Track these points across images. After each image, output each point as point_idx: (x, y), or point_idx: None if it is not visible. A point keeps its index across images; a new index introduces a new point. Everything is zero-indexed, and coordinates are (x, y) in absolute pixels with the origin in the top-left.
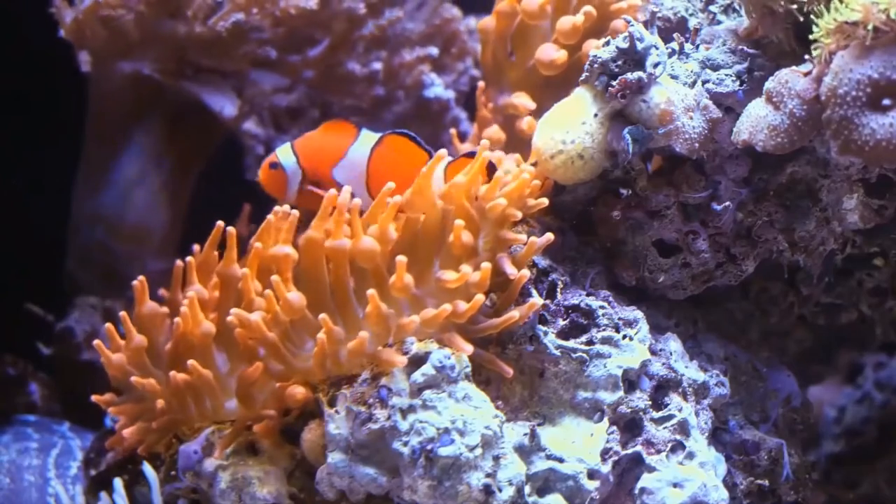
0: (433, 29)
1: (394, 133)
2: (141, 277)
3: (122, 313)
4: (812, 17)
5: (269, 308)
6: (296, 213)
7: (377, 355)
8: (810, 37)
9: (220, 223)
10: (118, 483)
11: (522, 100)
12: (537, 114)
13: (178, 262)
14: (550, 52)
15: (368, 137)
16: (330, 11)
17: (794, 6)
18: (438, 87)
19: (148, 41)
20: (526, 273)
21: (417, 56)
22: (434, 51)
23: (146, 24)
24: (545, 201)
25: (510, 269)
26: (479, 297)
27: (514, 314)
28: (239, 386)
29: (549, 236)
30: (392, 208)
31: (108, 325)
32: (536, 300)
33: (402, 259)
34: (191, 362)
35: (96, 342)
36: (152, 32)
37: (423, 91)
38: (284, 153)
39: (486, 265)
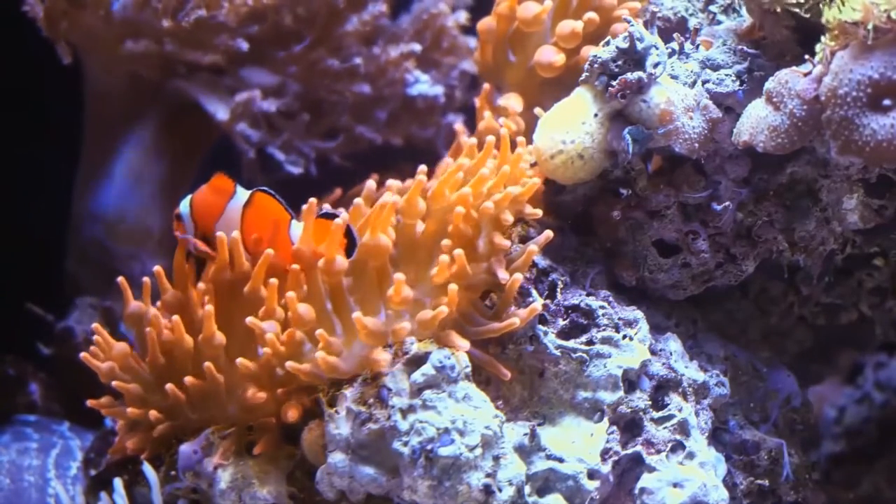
0: (421, 25)
1: (258, 190)
2: (121, 279)
3: (95, 325)
4: (812, 17)
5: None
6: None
7: (369, 358)
8: (816, 36)
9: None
10: (118, 483)
11: (511, 101)
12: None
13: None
14: (550, 55)
15: (242, 195)
16: (312, 5)
17: (794, 6)
18: (423, 85)
19: (128, 33)
20: (518, 277)
21: (401, 53)
22: (417, 47)
23: (123, 13)
24: (539, 213)
25: (502, 275)
26: (453, 287)
27: (515, 321)
28: (241, 401)
29: (548, 234)
30: (389, 210)
31: (96, 325)
32: (537, 305)
33: (400, 276)
34: (207, 364)
35: (83, 354)
36: (130, 23)
37: (406, 89)
38: (184, 205)
39: (453, 287)
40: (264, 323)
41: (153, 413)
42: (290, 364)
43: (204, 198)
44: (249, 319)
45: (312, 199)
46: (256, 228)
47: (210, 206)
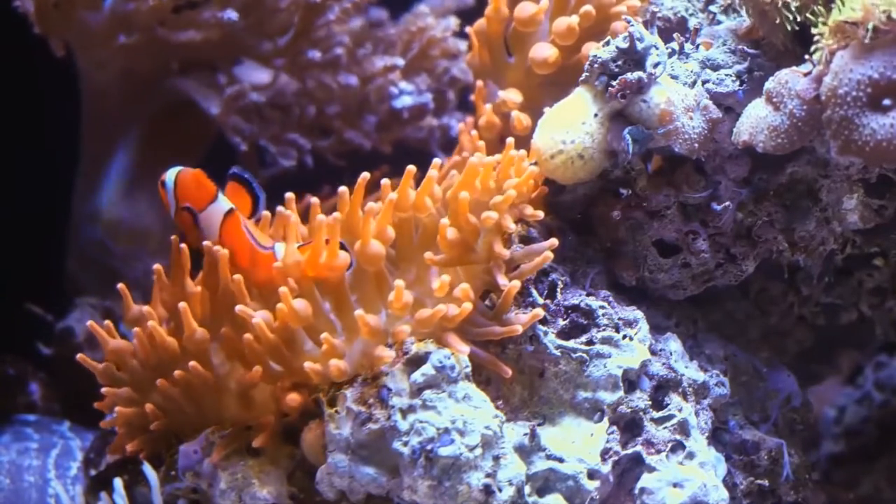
0: (409, 35)
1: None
2: (121, 285)
3: (90, 322)
4: (811, 17)
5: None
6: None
7: (372, 355)
8: (815, 37)
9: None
10: (118, 483)
11: (510, 94)
12: (536, 114)
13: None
14: (543, 51)
15: (223, 203)
16: None
17: (794, 7)
18: (407, 97)
19: (118, 26)
20: (516, 284)
21: (385, 65)
22: (400, 61)
23: (112, 6)
24: (541, 214)
25: (502, 282)
26: (467, 306)
27: (518, 328)
28: (238, 389)
29: (553, 241)
30: (388, 208)
31: (91, 322)
32: (539, 311)
33: (400, 283)
34: (192, 363)
35: (80, 356)
36: (119, 16)
37: (391, 102)
38: (170, 176)
39: (465, 286)
40: (257, 313)
41: (149, 407)
42: (308, 365)
43: (189, 184)
44: (239, 307)
45: (294, 218)
46: (228, 243)
47: (193, 196)
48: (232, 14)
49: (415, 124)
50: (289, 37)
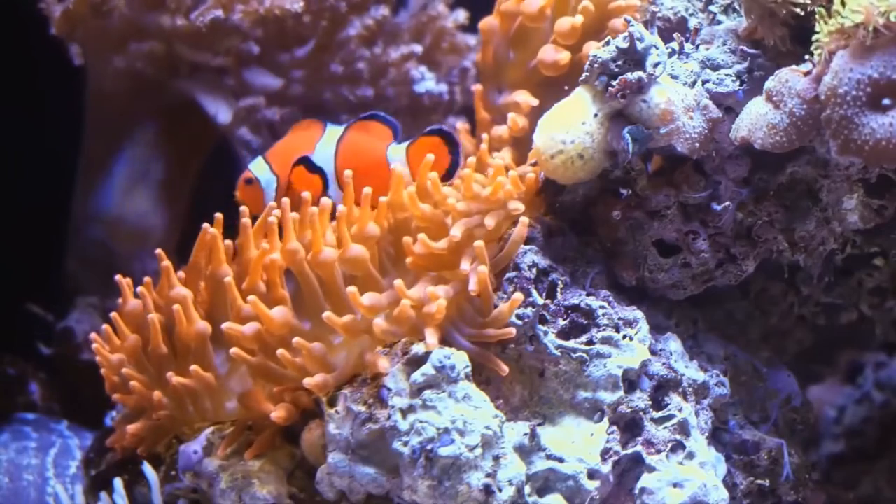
0: (420, 26)
1: (359, 120)
2: (118, 277)
3: (114, 314)
4: (811, 17)
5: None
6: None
7: (367, 359)
8: (813, 38)
9: (211, 224)
10: (118, 483)
11: (524, 97)
12: (537, 114)
13: (167, 262)
14: (553, 54)
15: (333, 132)
16: (315, 8)
17: (793, 7)
18: (429, 82)
19: (134, 33)
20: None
21: (402, 54)
22: (418, 48)
23: (130, 15)
24: (522, 207)
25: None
26: (442, 303)
27: (512, 330)
28: (241, 396)
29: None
30: (366, 206)
31: (107, 326)
32: (537, 300)
33: (399, 283)
34: (193, 368)
35: (95, 345)
36: (137, 24)
37: (413, 86)
38: (257, 167)
39: (442, 303)
40: (244, 326)
41: (157, 395)
42: (307, 381)
43: (285, 146)
44: (226, 325)
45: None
46: (350, 165)
47: (296, 150)
48: (254, 48)
49: (431, 114)
50: (309, 48)
